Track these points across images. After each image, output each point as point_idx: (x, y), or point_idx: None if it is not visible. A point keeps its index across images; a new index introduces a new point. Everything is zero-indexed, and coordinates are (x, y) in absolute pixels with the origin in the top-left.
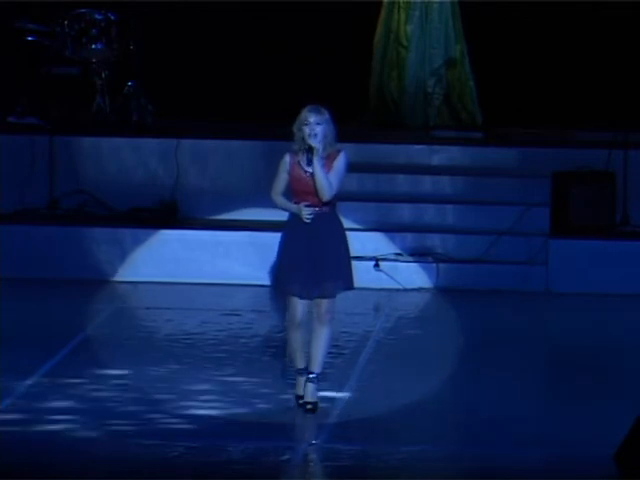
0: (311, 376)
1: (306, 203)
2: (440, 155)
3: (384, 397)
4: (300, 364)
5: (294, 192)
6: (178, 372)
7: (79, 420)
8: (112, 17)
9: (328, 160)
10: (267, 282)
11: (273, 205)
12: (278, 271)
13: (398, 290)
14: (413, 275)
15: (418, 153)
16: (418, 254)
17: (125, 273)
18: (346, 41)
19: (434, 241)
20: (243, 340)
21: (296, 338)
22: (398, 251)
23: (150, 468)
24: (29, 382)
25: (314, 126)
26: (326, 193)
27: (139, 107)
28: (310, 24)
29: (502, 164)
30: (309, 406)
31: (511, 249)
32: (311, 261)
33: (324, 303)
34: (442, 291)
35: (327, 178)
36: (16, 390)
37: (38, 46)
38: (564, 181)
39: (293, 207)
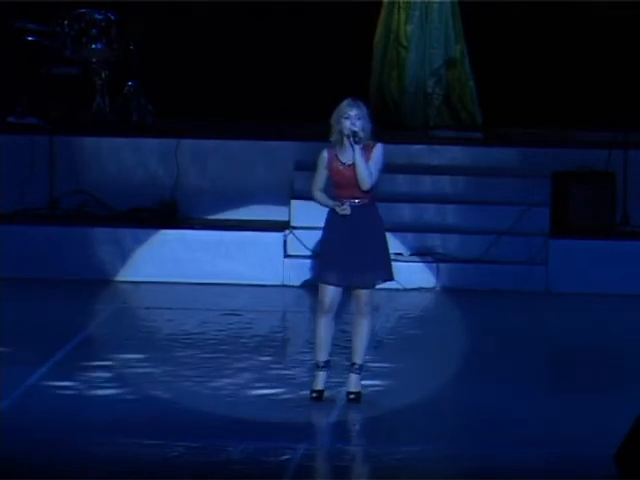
0: (355, 366)
1: (340, 203)
2: (440, 155)
3: (384, 397)
4: (321, 356)
5: (335, 185)
6: (178, 372)
7: (78, 420)
8: (112, 17)
9: (366, 151)
10: (267, 282)
11: (273, 205)
12: (318, 262)
13: (398, 290)
14: (413, 275)
15: (418, 153)
16: (418, 254)
17: (125, 273)
18: (346, 41)
19: (434, 241)
20: (243, 340)
21: (321, 324)
22: (398, 251)
23: (150, 468)
24: (29, 382)
25: (355, 120)
26: (367, 181)
27: (139, 107)
28: (310, 24)
29: (502, 164)
30: (352, 396)
31: (511, 249)
32: (349, 251)
33: (363, 295)
34: (442, 291)
35: (367, 167)
36: (16, 390)
37: (38, 46)
38: (564, 181)
39: (330, 203)
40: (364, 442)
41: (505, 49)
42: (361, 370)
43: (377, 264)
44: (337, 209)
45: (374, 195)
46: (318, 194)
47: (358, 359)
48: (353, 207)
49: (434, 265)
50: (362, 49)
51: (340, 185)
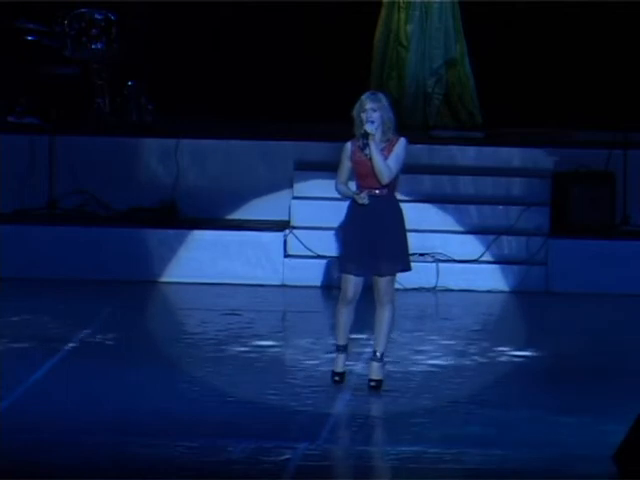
0: (377, 355)
1: (364, 193)
2: (440, 155)
3: (384, 397)
4: (341, 340)
5: (357, 175)
6: (178, 372)
7: (79, 420)
8: (112, 17)
9: (389, 145)
10: (267, 282)
11: (273, 205)
12: (342, 252)
13: (398, 290)
14: (413, 275)
15: (418, 153)
16: (418, 254)
17: (124, 273)
18: (346, 41)
19: (434, 241)
20: (243, 340)
21: (343, 312)
22: None
23: (150, 468)
24: (29, 383)
25: (371, 113)
26: (384, 176)
27: (139, 107)
28: (310, 24)
29: (502, 164)
30: (372, 383)
31: (511, 249)
32: (368, 242)
33: (382, 285)
34: (442, 291)
35: (384, 162)
36: (16, 391)
37: (38, 46)
38: (564, 181)
39: (350, 193)
40: (364, 442)
41: (505, 49)
42: (382, 359)
43: (395, 254)
44: (356, 197)
45: (395, 187)
46: (341, 187)
47: (380, 347)
48: (373, 197)
49: (434, 265)
50: (362, 49)
51: (361, 176)
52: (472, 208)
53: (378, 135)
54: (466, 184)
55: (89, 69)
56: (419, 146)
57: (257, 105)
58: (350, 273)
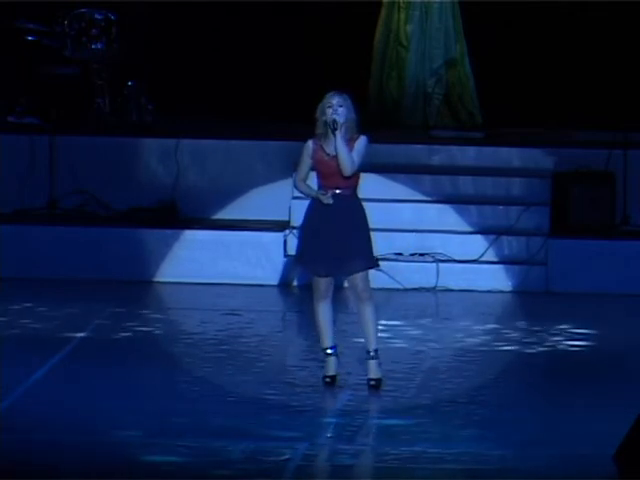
0: (371, 353)
1: (324, 192)
2: (440, 155)
3: (384, 397)
4: (326, 343)
5: (319, 174)
6: (178, 372)
7: (79, 421)
8: (112, 17)
9: (350, 142)
10: (267, 282)
11: (273, 205)
12: (300, 249)
13: (398, 290)
14: (413, 275)
15: (418, 153)
16: (418, 254)
17: (124, 273)
18: (346, 41)
19: (434, 241)
20: (243, 340)
21: (320, 311)
22: (398, 251)
23: (150, 468)
24: (29, 383)
25: (337, 107)
26: (348, 167)
27: (139, 107)
28: (310, 24)
29: (502, 164)
30: (372, 382)
31: (511, 249)
32: (332, 241)
33: (358, 282)
34: (442, 291)
35: (349, 153)
36: (16, 391)
37: (38, 46)
38: (564, 181)
39: (313, 193)
40: (364, 442)
41: (505, 49)
42: (378, 355)
43: (361, 252)
44: (321, 197)
45: (356, 186)
46: (301, 185)
47: (372, 345)
48: (336, 197)
49: (434, 265)
50: (362, 49)
51: (324, 175)
52: (472, 208)
53: (342, 124)
54: (466, 184)
55: (89, 69)
56: (419, 146)
57: (257, 105)
58: (318, 275)
